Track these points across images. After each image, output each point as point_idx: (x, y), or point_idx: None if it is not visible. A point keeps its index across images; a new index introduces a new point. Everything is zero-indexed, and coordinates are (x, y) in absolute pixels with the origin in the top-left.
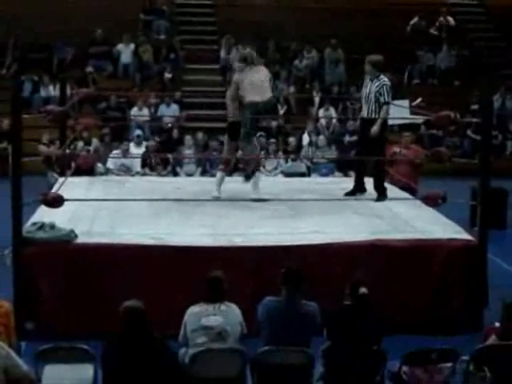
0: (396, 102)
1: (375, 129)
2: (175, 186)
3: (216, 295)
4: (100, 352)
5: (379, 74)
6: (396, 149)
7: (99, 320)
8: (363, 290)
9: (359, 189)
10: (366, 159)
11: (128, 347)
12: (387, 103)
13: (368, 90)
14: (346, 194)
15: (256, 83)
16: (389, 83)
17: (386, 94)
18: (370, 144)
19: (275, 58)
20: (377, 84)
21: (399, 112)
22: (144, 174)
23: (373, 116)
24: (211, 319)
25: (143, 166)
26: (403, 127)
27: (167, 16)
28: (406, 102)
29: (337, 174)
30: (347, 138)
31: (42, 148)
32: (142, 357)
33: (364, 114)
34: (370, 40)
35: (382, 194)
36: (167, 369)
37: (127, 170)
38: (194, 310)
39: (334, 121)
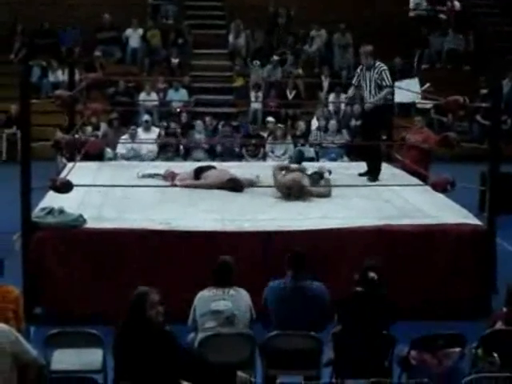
0: (406, 80)
1: (372, 101)
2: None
3: (225, 280)
4: (108, 337)
5: (374, 61)
6: (404, 134)
7: (108, 304)
8: (372, 274)
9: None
10: (370, 145)
11: (130, 332)
12: (389, 86)
13: (368, 80)
14: (361, 175)
15: None
16: (386, 67)
17: (386, 78)
18: (369, 128)
19: (284, 42)
20: (376, 71)
21: (408, 92)
22: (153, 159)
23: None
24: (220, 304)
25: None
26: (415, 109)
27: (175, 0)
28: (415, 81)
29: (345, 158)
30: (353, 122)
31: (59, 133)
32: (142, 342)
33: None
34: (379, 24)
35: (374, 175)
36: (165, 355)
37: (136, 155)
38: (203, 294)
39: (343, 105)
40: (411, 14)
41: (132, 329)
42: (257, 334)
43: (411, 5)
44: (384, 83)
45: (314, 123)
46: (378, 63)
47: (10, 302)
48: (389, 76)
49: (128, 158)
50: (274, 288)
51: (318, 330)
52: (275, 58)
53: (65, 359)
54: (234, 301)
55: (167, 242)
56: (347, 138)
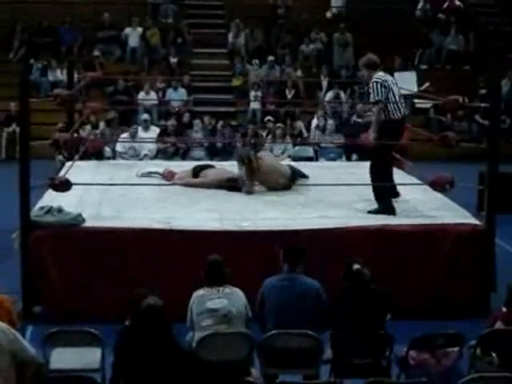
0: (402, 73)
1: (372, 135)
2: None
3: (218, 278)
4: (107, 335)
5: (374, 73)
6: None
7: (106, 303)
8: (356, 266)
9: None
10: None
11: (141, 342)
12: (379, 101)
13: (368, 94)
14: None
15: None
16: (381, 79)
17: (376, 90)
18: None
19: (283, 41)
20: (370, 85)
21: (406, 84)
22: (152, 158)
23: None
24: (216, 302)
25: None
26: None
27: None
28: (412, 74)
29: (344, 158)
30: (353, 119)
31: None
32: (154, 357)
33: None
34: (380, 24)
35: (384, 207)
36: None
37: (135, 154)
38: (198, 293)
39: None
40: (328, 14)
41: (147, 339)
42: (254, 334)
43: (332, 3)
44: (372, 97)
45: (315, 122)
46: (374, 75)
47: (4, 315)
48: (379, 88)
49: (127, 157)
50: (271, 283)
51: (317, 330)
52: (271, 58)
53: (63, 358)
54: (230, 299)
55: (166, 241)
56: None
